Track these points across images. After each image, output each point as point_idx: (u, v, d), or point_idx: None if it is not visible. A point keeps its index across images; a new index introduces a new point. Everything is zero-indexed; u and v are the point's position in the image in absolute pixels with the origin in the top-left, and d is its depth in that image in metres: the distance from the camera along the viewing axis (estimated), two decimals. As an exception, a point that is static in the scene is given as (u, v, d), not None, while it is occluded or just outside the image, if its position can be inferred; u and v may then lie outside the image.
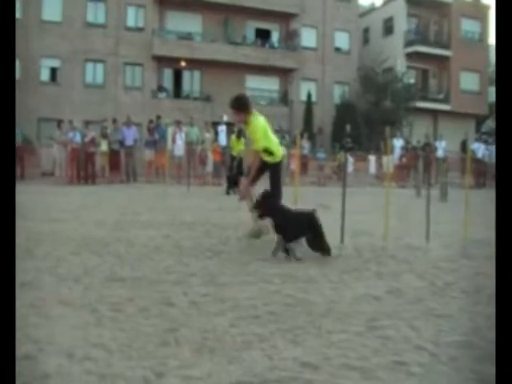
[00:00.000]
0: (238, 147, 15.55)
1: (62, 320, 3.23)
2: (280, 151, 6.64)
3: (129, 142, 19.27)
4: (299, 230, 5.48)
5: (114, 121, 20.26)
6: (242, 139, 15.62)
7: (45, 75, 30.94)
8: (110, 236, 6.52)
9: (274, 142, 6.55)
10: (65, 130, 19.06)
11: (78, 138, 18.48)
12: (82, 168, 18.32)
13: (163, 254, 5.44)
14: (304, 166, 21.13)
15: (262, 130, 6.37)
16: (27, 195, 11.53)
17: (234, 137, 15.86)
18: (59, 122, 19.84)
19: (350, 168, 21.89)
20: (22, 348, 2.70)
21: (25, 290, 3.86)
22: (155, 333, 3.04)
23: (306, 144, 22.23)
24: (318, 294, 4.00)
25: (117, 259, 5.05)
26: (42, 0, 30.26)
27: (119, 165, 19.25)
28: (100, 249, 5.64)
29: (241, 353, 2.78)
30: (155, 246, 5.89)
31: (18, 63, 29.81)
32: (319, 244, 5.47)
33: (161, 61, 31.99)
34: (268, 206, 5.63)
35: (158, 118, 21.39)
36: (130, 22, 31.89)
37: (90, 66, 31.33)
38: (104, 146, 19.03)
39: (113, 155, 19.18)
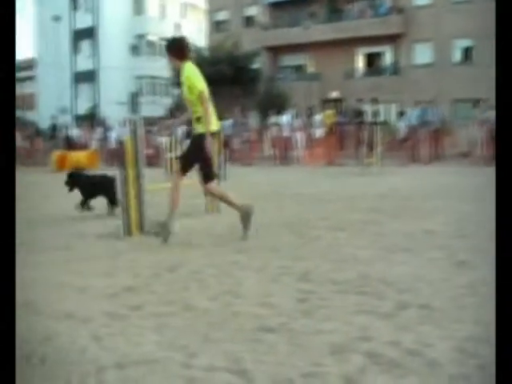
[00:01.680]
0: None
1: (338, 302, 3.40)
2: (211, 122, 5.39)
3: None
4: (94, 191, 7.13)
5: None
6: None
7: (457, 56, 31.61)
8: None
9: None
10: (481, 110, 18.71)
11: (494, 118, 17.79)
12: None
13: None
14: None
15: (188, 82, 5.41)
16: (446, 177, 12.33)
17: None
18: (475, 102, 20.00)
19: None
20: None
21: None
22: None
23: None
24: None
25: None
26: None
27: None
28: None
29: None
30: None
31: (431, 46, 30.74)
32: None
33: None
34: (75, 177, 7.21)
35: None
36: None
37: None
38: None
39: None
